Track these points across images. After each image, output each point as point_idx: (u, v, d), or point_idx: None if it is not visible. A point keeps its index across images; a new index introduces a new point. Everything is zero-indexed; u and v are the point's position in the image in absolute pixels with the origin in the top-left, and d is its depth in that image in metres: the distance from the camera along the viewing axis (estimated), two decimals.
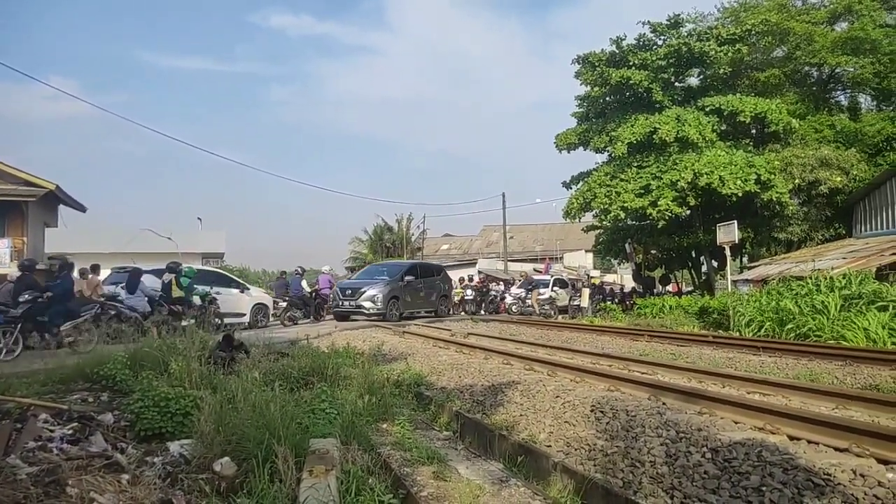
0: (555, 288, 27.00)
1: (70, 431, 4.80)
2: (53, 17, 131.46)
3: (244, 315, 17.69)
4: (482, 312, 24.27)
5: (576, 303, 25.92)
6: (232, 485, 4.16)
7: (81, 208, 30.29)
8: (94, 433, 4.84)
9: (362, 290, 18.56)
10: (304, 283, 20.40)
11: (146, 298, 13.63)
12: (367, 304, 18.17)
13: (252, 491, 3.81)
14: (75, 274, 12.97)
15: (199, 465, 4.43)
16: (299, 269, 21.03)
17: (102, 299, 12.74)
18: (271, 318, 19.03)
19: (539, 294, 24.61)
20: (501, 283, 29.60)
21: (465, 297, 25.23)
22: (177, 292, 13.80)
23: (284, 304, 19.83)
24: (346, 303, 18.54)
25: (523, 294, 24.46)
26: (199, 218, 36.57)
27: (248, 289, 18.90)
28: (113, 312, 12.30)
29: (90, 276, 13.35)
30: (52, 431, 4.67)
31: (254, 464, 3.98)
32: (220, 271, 19.82)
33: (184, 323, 12.13)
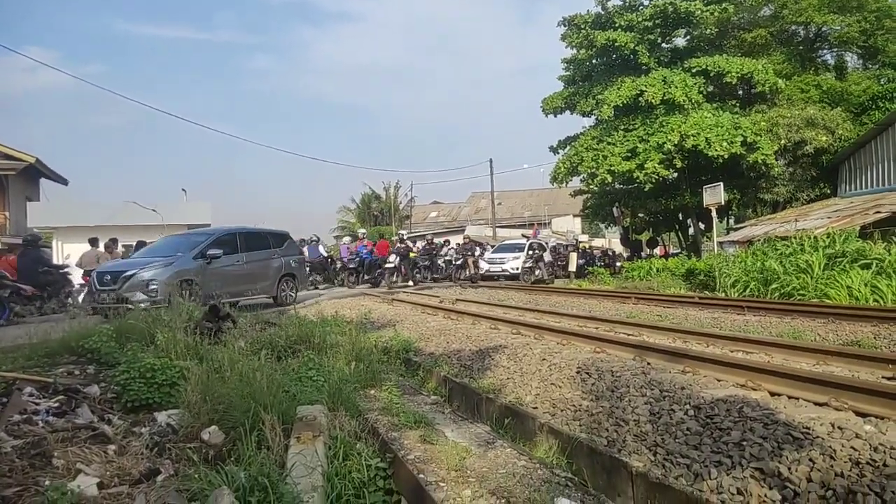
0: (529, 252, 24.45)
1: (56, 404, 4.77)
2: None
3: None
4: (429, 279, 22.91)
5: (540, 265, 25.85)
6: (220, 453, 4.17)
7: (63, 181, 29.85)
8: (80, 405, 4.82)
9: (131, 273, 11.46)
10: (321, 249, 22.56)
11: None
12: (138, 295, 11.05)
13: (240, 458, 3.83)
14: (101, 247, 14.77)
15: (186, 434, 4.43)
16: (315, 237, 22.98)
17: None
18: None
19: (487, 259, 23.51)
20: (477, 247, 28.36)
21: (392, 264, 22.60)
22: None
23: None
24: (105, 294, 11.34)
25: (531, 261, 23.10)
26: (183, 189, 36.12)
27: None
28: None
29: (113, 249, 14.98)
30: (37, 405, 4.65)
31: (241, 432, 3.99)
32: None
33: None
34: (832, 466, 3.33)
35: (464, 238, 25.37)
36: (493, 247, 27.16)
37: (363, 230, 22.80)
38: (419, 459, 4.04)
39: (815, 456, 3.45)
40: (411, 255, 22.27)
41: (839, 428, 3.72)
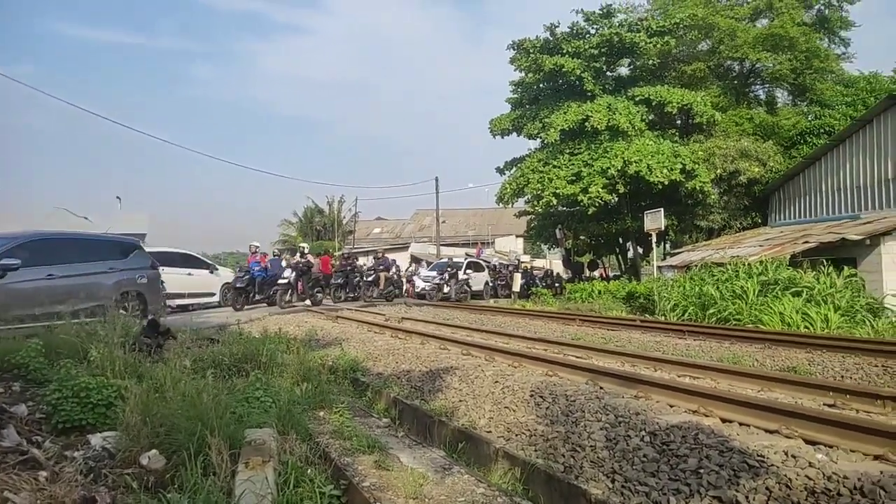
0: (467, 271, 25.38)
1: None
2: None
3: (214, 294, 18.71)
4: (343, 298, 20.84)
5: (497, 285, 26.25)
6: (161, 479, 3.92)
7: None
8: (6, 426, 4.45)
9: None
10: (283, 263, 20.89)
11: None
12: None
13: (183, 486, 3.60)
14: None
15: (124, 459, 4.15)
16: (277, 250, 22.94)
17: None
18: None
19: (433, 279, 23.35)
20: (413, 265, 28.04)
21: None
22: None
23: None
24: None
25: (440, 279, 22.99)
26: (118, 197, 34.80)
27: (216, 269, 19.81)
28: None
29: None
30: None
31: (185, 457, 3.76)
32: (191, 253, 19.38)
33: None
34: (789, 496, 3.38)
35: (375, 256, 23.68)
36: (429, 265, 27.22)
37: (257, 243, 19.75)
38: (375, 487, 3.89)
39: (771, 485, 3.50)
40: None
41: (792, 456, 3.79)
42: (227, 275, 19.71)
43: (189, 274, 17.38)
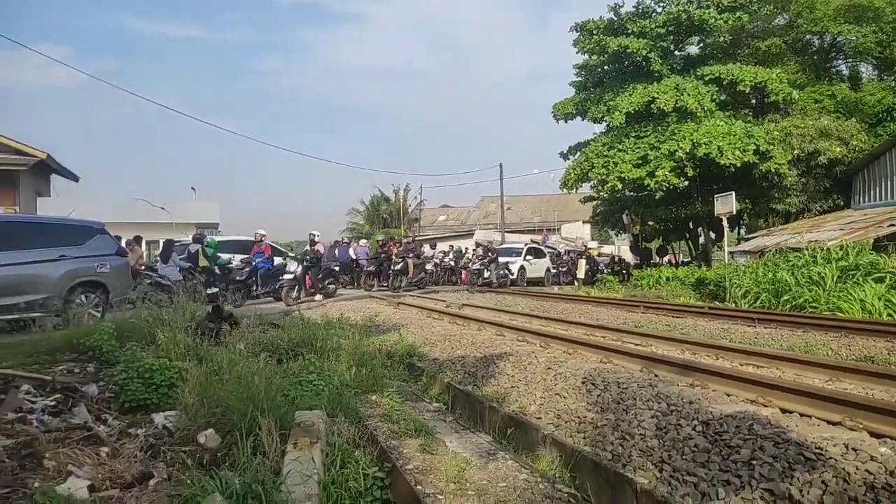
0: (527, 257, 24.67)
1: (52, 403, 4.71)
2: None
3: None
4: (374, 285, 20.31)
5: (559, 271, 25.73)
6: (215, 457, 4.09)
7: (74, 178, 29.92)
8: (77, 405, 4.75)
9: None
10: (350, 251, 21.33)
11: (177, 268, 14.33)
12: None
13: (235, 463, 3.74)
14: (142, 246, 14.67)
15: (182, 437, 4.35)
16: (346, 238, 22.32)
17: (143, 269, 13.86)
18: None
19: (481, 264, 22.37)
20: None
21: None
22: (203, 262, 14.19)
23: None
24: None
25: (479, 264, 22.14)
26: (192, 188, 36.25)
27: (289, 256, 20.11)
28: (148, 281, 13.08)
29: (135, 247, 14.56)
30: (33, 403, 4.59)
31: (237, 436, 3.91)
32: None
33: (209, 291, 13.19)
34: (846, 490, 3.20)
35: (404, 238, 23.23)
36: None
37: (262, 231, 17.57)
38: (417, 470, 3.94)
39: (827, 478, 3.32)
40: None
41: (853, 449, 3.59)
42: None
43: None
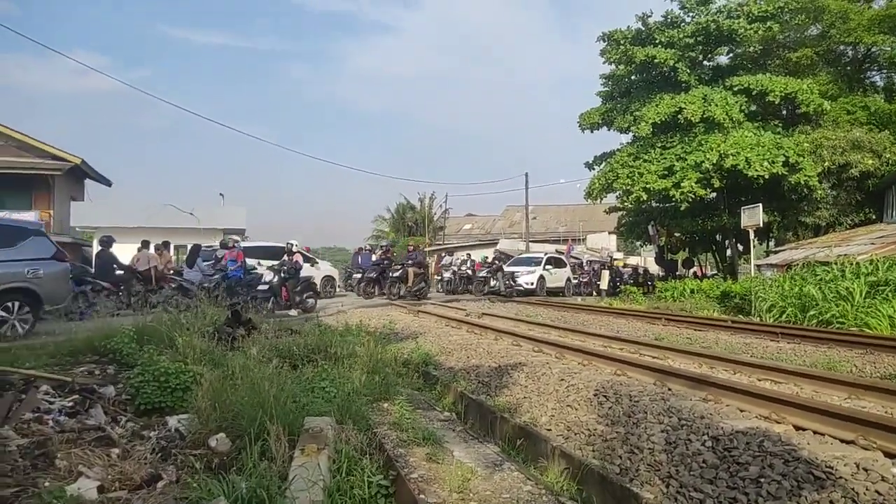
0: (547, 266, 24.56)
1: (70, 404, 4.83)
2: None
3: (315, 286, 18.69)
4: (374, 293, 20.13)
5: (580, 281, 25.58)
6: (225, 461, 4.15)
7: (107, 182, 30.68)
8: (93, 406, 4.87)
9: None
10: (373, 257, 22.02)
11: (201, 273, 14.52)
12: None
13: (244, 468, 3.79)
14: (152, 249, 14.63)
15: (194, 440, 4.43)
16: (369, 245, 23.18)
17: (170, 273, 14.38)
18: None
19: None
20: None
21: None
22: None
23: (358, 276, 21.40)
24: None
25: (487, 272, 22.39)
26: (221, 194, 36.86)
27: (317, 263, 21.19)
28: (174, 286, 13.51)
29: (163, 251, 15.14)
30: (51, 404, 4.71)
31: (247, 441, 3.97)
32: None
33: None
34: None
35: (408, 247, 22.95)
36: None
37: (236, 237, 16.36)
38: (422, 479, 3.95)
39: (835, 498, 3.27)
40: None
41: (864, 469, 3.51)
42: (326, 268, 21.72)
43: None
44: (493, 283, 21.81)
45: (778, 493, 3.45)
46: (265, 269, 15.37)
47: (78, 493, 3.27)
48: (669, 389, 5.75)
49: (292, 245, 17.12)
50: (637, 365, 6.88)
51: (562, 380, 6.36)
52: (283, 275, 15.08)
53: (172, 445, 4.31)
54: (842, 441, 4.14)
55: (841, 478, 3.45)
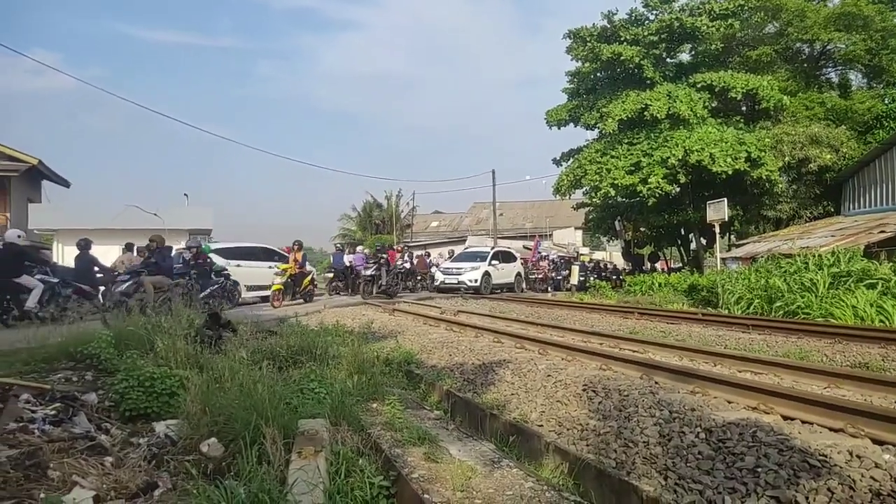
0: (493, 262, 23.39)
1: (53, 412, 4.66)
2: None
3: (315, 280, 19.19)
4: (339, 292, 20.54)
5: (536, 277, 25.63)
6: (219, 466, 4.07)
7: (65, 183, 29.75)
8: (77, 414, 4.71)
9: None
10: (345, 258, 21.90)
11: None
12: None
13: (240, 472, 3.72)
14: (134, 252, 14.69)
15: (185, 446, 4.33)
16: (339, 245, 23.35)
17: None
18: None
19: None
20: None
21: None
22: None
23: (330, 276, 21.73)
24: None
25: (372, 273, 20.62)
26: (185, 194, 36.06)
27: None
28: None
29: (127, 253, 15.11)
30: (33, 412, 4.54)
31: (241, 445, 3.88)
32: (268, 247, 20.05)
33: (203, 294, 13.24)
34: (852, 497, 3.23)
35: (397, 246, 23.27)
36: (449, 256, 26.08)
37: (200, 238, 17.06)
38: (424, 478, 3.93)
39: (833, 486, 3.35)
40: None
41: (857, 456, 3.61)
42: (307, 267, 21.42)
43: (270, 267, 17.98)
44: (381, 280, 20.15)
45: (776, 481, 3.52)
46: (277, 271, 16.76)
47: None
48: (656, 383, 5.82)
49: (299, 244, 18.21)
50: (621, 359, 6.95)
51: (548, 376, 6.40)
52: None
53: (164, 452, 4.21)
54: (831, 430, 4.24)
55: (836, 465, 3.54)
